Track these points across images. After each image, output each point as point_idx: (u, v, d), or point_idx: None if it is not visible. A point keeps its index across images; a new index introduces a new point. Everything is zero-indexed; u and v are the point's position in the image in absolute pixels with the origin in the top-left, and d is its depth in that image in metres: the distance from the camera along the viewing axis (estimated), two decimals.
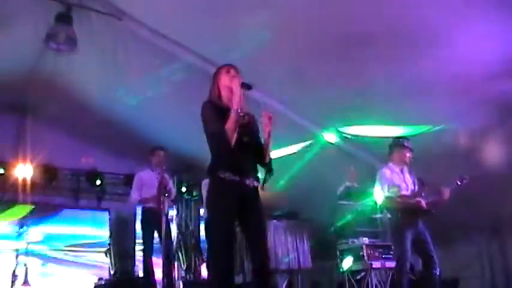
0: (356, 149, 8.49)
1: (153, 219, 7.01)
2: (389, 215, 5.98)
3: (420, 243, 5.70)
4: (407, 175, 6.05)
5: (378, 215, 7.87)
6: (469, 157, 7.31)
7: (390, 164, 6.10)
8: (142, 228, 7.36)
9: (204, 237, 8.05)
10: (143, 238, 7.30)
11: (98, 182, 10.18)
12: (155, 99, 8.34)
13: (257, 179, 3.71)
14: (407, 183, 5.99)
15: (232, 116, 3.52)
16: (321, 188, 8.50)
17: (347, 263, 7.45)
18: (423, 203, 5.75)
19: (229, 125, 3.50)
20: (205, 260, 9.72)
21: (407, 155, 6.03)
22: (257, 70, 6.29)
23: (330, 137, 8.29)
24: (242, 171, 3.61)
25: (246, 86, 3.67)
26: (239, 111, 3.56)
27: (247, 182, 3.62)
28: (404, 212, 5.75)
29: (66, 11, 6.54)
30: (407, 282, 5.64)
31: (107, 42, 7.25)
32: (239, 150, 3.59)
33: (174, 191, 7.67)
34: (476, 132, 7.02)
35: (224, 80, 3.84)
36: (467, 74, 6.20)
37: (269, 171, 3.75)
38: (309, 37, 6.17)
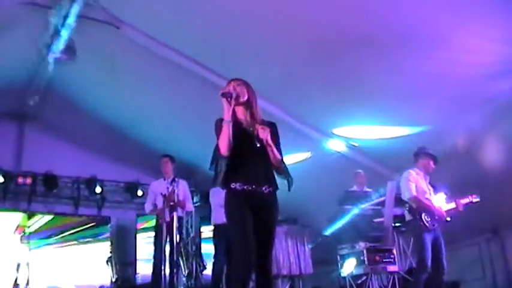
0: (357, 155, 8.50)
1: (166, 227, 7.03)
2: (410, 216, 6.11)
3: (436, 249, 5.92)
4: (427, 182, 6.26)
5: (379, 219, 7.85)
6: (467, 159, 7.34)
7: (415, 169, 6.28)
8: (156, 234, 7.40)
9: (212, 241, 8.01)
10: (155, 244, 7.33)
11: (98, 190, 10.17)
12: (155, 106, 8.37)
13: (272, 185, 3.71)
14: (429, 190, 6.20)
15: (223, 127, 3.57)
16: (321, 193, 8.51)
17: (348, 267, 7.46)
18: (445, 214, 6.07)
19: (221, 136, 3.57)
20: (205, 266, 9.72)
21: (431, 164, 6.23)
22: (253, 75, 6.34)
23: (335, 144, 8.32)
24: (255, 179, 3.63)
25: (225, 95, 3.64)
26: (228, 121, 3.57)
27: (262, 189, 3.63)
28: (427, 214, 5.97)
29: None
30: (424, 280, 5.81)
31: (106, 50, 7.29)
32: (252, 157, 3.64)
33: (188, 203, 7.66)
34: (473, 133, 7.04)
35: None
36: (463, 75, 6.24)
37: (286, 175, 3.79)
38: (302, 39, 6.19)
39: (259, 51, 6.48)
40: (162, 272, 7.03)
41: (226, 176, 3.64)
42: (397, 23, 5.66)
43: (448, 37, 5.68)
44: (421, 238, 5.89)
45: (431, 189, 6.23)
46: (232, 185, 3.59)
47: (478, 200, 6.25)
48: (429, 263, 5.79)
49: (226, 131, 3.56)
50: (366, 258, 7.18)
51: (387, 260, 7.28)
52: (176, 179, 7.19)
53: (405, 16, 5.56)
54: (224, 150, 3.54)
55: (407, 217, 6.26)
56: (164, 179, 7.48)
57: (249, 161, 3.63)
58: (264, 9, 5.80)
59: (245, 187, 3.58)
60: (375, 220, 7.84)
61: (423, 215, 5.94)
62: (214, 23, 6.16)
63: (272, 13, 5.83)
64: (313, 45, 6.20)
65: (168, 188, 7.08)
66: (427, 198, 6.08)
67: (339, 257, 7.72)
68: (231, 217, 3.63)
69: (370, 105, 7.15)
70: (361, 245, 7.34)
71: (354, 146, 8.31)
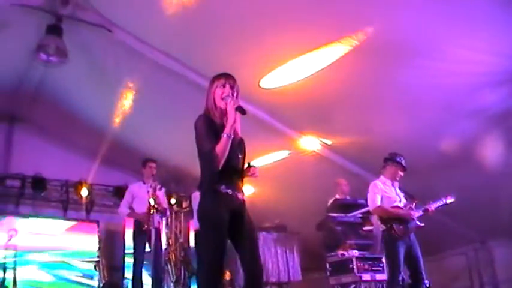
0: (346, 161, 8.50)
1: (145, 231, 6.99)
2: (383, 226, 6.07)
3: (412, 258, 5.83)
4: (397, 189, 6.23)
5: (368, 227, 7.86)
6: (457, 168, 7.36)
7: (382, 177, 6.28)
8: (134, 239, 7.35)
9: (194, 249, 8.03)
10: (134, 249, 7.29)
11: (85, 193, 10.06)
12: (145, 110, 8.33)
13: (244, 193, 3.69)
14: (399, 196, 6.16)
15: (224, 140, 3.44)
16: (310, 201, 8.50)
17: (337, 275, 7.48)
18: (414, 214, 5.94)
19: (220, 147, 3.44)
20: (194, 272, 9.70)
21: (399, 172, 6.19)
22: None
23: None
24: (233, 184, 3.59)
25: (240, 110, 3.50)
26: (231, 135, 3.46)
27: (238, 195, 3.61)
28: (397, 222, 5.89)
29: (57, 22, 6.54)
30: None
31: (97, 53, 7.26)
32: (232, 164, 3.57)
33: (167, 210, 7.69)
34: (463, 142, 7.07)
35: (218, 94, 3.69)
36: (454, 86, 6.28)
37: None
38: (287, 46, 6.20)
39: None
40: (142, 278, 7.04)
41: (206, 178, 3.58)
42: (392, 33, 5.68)
43: (441, 48, 5.71)
44: (393, 248, 5.81)
45: (401, 195, 6.18)
46: (214, 187, 3.51)
47: (452, 200, 6.12)
48: (400, 277, 5.74)
49: (227, 145, 3.46)
50: (354, 266, 7.17)
51: (376, 268, 7.28)
52: (160, 185, 7.21)
53: (400, 27, 5.58)
54: (221, 164, 3.46)
55: (381, 226, 6.19)
56: (144, 183, 7.43)
57: (231, 166, 3.56)
58: (257, 9, 5.80)
59: (227, 190, 3.53)
60: (364, 228, 7.86)
61: (392, 224, 5.88)
62: (209, 29, 6.15)
63: (263, 13, 5.83)
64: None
65: (148, 192, 7.06)
66: (396, 206, 6.03)
67: (328, 265, 7.71)
68: (207, 219, 3.54)
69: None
70: (350, 253, 7.34)
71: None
